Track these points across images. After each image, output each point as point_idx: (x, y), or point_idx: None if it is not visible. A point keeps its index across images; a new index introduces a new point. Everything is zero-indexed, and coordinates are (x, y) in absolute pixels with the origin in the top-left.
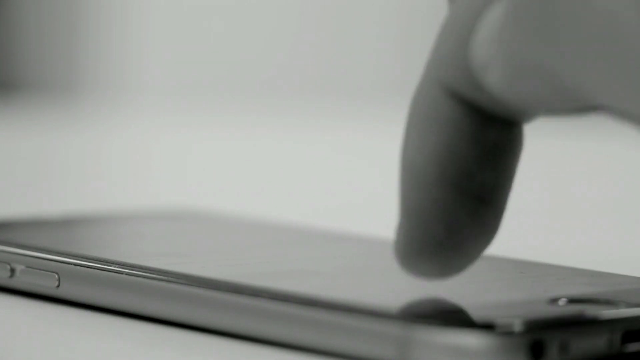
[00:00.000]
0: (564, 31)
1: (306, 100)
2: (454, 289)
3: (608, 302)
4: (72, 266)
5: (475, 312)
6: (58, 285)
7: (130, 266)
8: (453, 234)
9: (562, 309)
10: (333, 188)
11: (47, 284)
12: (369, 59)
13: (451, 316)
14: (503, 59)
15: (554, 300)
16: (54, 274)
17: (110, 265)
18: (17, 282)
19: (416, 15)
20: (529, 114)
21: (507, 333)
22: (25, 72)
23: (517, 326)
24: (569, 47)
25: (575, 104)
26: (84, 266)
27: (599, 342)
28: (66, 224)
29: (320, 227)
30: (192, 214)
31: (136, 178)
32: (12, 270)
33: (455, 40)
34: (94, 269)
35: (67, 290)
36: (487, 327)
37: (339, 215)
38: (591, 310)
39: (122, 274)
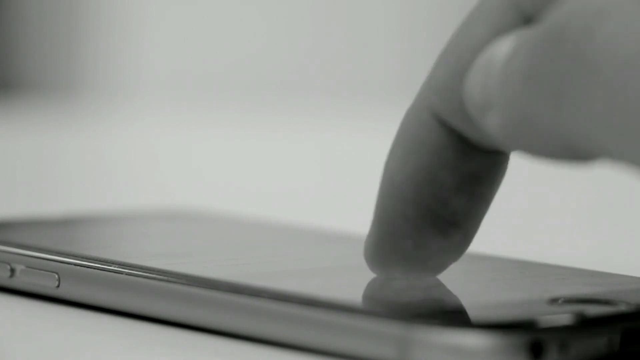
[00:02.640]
0: (577, 90)
1: (307, 100)
2: (454, 289)
3: (608, 302)
4: (72, 266)
5: (475, 312)
6: (58, 285)
7: (130, 266)
8: (420, 249)
9: (562, 309)
10: (333, 188)
11: (47, 284)
12: (370, 59)
13: (451, 316)
14: (504, 107)
15: (554, 300)
16: (54, 274)
17: (110, 265)
18: (17, 282)
19: (416, 16)
20: (532, 157)
21: (507, 333)
22: (25, 72)
23: (517, 326)
24: (580, 107)
25: (578, 157)
26: (84, 266)
27: (599, 342)
28: (66, 224)
29: (319, 227)
30: (192, 214)
31: (136, 178)
32: (12, 270)
33: (451, 69)
34: (94, 269)
35: (67, 290)
36: (487, 327)
37: (339, 215)
38: (591, 310)
39: (122, 274)
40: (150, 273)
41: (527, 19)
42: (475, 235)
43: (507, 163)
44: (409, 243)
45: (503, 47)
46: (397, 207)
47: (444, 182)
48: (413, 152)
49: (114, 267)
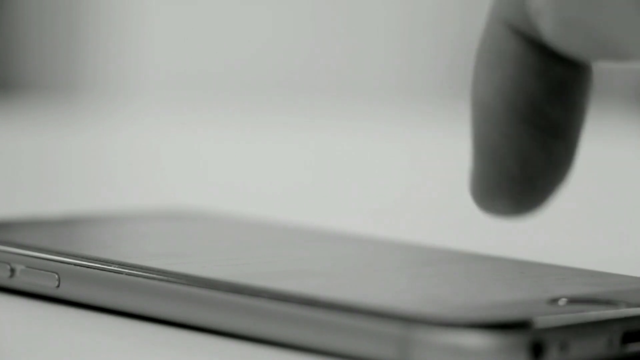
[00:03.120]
0: None
1: (308, 100)
2: (453, 289)
3: (608, 302)
4: (72, 266)
5: (476, 312)
6: (58, 285)
7: (130, 266)
8: (526, 167)
9: (562, 309)
10: (333, 188)
11: (47, 284)
12: (370, 60)
13: (451, 316)
14: (552, 10)
15: (554, 300)
16: (54, 274)
17: (110, 265)
18: (17, 282)
19: (416, 15)
20: (584, 59)
21: (507, 333)
22: (25, 72)
23: (517, 326)
24: (615, 10)
25: (619, 57)
26: (84, 266)
27: (599, 342)
28: (66, 224)
29: (320, 227)
30: (192, 214)
31: (136, 178)
32: (12, 270)
33: None
34: (94, 269)
35: (67, 290)
36: (487, 327)
37: (339, 215)
38: (591, 310)
39: (122, 274)
40: (150, 273)
41: None
42: (577, 150)
43: (591, 72)
44: (513, 162)
45: None
46: (494, 127)
47: (535, 90)
48: (496, 65)
49: (114, 267)
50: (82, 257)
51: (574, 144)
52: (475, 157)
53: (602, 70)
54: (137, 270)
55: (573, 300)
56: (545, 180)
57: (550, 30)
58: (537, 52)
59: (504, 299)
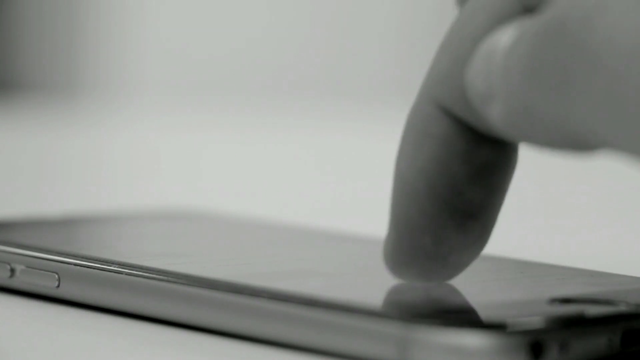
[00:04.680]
0: (578, 80)
1: (308, 100)
2: (454, 289)
3: (608, 302)
4: (72, 266)
5: (476, 312)
6: (58, 285)
7: (130, 266)
8: (440, 245)
9: (562, 309)
10: (333, 188)
11: (47, 284)
12: (370, 60)
13: (451, 316)
14: (506, 97)
15: (554, 300)
16: (54, 274)
17: (110, 265)
18: (17, 282)
19: (416, 16)
20: (537, 146)
21: (507, 333)
22: (25, 72)
23: (517, 326)
24: (581, 97)
25: (580, 147)
26: (84, 266)
27: (599, 342)
28: (66, 224)
29: (320, 227)
30: (192, 214)
31: (136, 178)
32: (12, 270)
33: (453, 59)
34: (94, 269)
35: (67, 290)
36: (487, 327)
37: (339, 215)
38: (591, 310)
39: (122, 274)
40: (150, 273)
41: (527, 8)
42: (493, 228)
43: (517, 152)
44: (428, 239)
45: (504, 37)
46: (413, 204)
47: (457, 172)
48: (422, 145)
49: (114, 267)
50: (82, 257)
51: (491, 223)
52: (392, 228)
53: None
54: (137, 270)
55: (573, 300)
56: (458, 256)
57: (497, 116)
58: (464, 134)
59: (504, 299)
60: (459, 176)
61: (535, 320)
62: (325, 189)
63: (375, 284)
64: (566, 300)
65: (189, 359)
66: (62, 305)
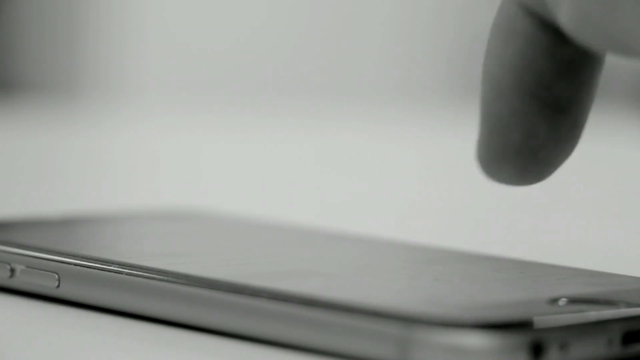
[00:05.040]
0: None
1: (307, 100)
2: (453, 289)
3: (608, 302)
4: (72, 266)
5: (475, 312)
6: (58, 285)
7: (130, 266)
8: (530, 140)
9: (562, 309)
10: (333, 188)
11: (47, 284)
12: (371, 60)
13: (451, 316)
14: (570, 2)
15: (554, 300)
16: (54, 274)
17: (110, 265)
18: (17, 282)
19: (416, 16)
20: (597, 50)
21: (507, 333)
22: (25, 72)
23: (517, 326)
24: (629, 8)
25: (632, 53)
26: (84, 266)
27: (599, 342)
28: (66, 224)
29: (320, 227)
30: (192, 214)
31: (136, 178)
32: (12, 270)
33: None
34: (94, 269)
35: (67, 290)
36: (487, 327)
37: (339, 215)
38: (591, 310)
39: (122, 274)
40: (150, 273)
41: None
42: (585, 125)
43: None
44: (518, 135)
45: None
46: (501, 100)
47: (543, 67)
48: (508, 42)
49: (114, 267)
50: (82, 257)
51: (581, 120)
52: (482, 127)
53: (602, 70)
54: (137, 270)
55: (573, 300)
56: (549, 152)
57: (566, 21)
58: (548, 33)
59: (504, 299)
60: (545, 71)
61: (535, 320)
62: (325, 189)
63: (375, 284)
64: (566, 300)
65: (189, 359)
66: (62, 305)
